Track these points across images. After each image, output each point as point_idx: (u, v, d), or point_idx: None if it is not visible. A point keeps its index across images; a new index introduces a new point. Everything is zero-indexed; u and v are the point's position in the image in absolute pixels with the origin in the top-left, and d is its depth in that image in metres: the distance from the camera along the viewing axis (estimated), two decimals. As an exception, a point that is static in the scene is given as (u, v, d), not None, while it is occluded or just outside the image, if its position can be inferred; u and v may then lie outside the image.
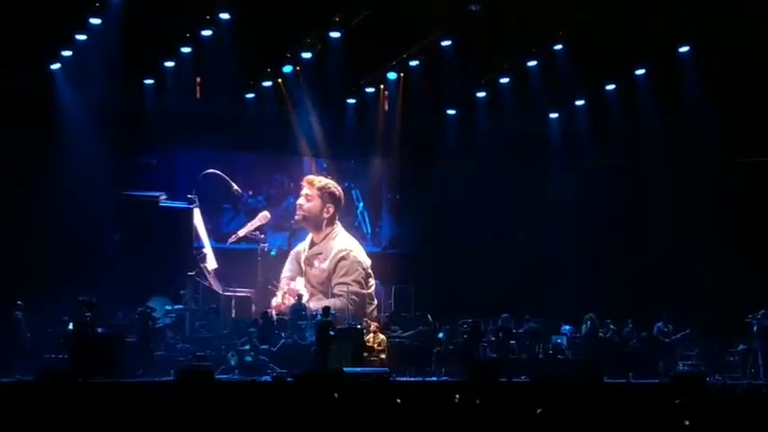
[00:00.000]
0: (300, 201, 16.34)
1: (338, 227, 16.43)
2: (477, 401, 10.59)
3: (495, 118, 18.00)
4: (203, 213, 16.07)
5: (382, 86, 17.89)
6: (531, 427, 9.55)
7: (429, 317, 15.45)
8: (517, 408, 9.96)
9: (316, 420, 9.42)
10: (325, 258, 16.20)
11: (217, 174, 16.01)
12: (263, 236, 16.17)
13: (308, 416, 9.44)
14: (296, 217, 16.37)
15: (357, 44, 15.82)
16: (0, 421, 8.09)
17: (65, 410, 8.39)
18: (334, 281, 16.11)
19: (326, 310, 14.29)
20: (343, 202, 16.41)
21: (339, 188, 16.49)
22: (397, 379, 13.10)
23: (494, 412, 10.01)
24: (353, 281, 16.16)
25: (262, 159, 17.75)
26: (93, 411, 8.58)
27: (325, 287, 16.17)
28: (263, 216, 16.26)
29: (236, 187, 15.99)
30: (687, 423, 9.21)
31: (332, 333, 13.64)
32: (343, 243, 16.26)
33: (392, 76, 17.15)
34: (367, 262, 16.41)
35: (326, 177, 16.73)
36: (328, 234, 16.36)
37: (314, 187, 16.30)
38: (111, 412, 8.61)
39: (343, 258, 16.14)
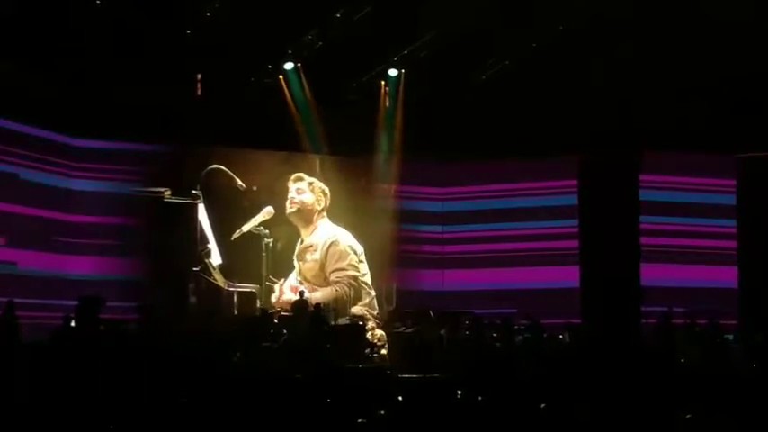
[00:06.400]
0: (292, 194, 16.23)
1: (325, 219, 16.31)
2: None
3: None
4: (207, 209, 16.06)
5: (383, 83, 17.97)
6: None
7: (431, 312, 15.47)
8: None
9: (316, 418, 9.46)
10: (315, 250, 16.08)
11: (221, 169, 15.98)
12: (267, 231, 16.10)
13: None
14: (289, 210, 16.21)
15: (358, 40, 15.91)
16: None
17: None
18: (329, 269, 15.92)
19: (318, 306, 14.29)
20: (329, 197, 16.31)
21: (326, 187, 16.42)
22: (399, 375, 13.09)
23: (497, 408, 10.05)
24: (348, 265, 15.96)
25: (265, 155, 17.76)
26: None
27: (319, 279, 16.06)
28: (268, 211, 16.16)
29: (240, 182, 15.96)
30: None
31: (326, 329, 13.60)
32: (330, 231, 16.12)
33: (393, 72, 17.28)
34: (359, 248, 16.23)
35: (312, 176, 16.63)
36: (316, 227, 16.27)
37: (303, 181, 16.26)
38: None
39: (333, 245, 15.96)
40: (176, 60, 16.56)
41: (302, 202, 16.36)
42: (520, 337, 15.24)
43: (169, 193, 15.63)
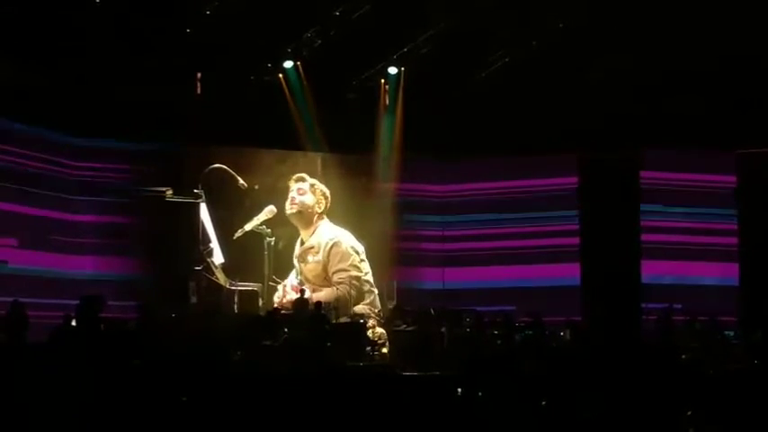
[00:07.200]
0: (293, 194, 16.33)
1: (325, 220, 16.38)
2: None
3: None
4: (209, 208, 16.10)
5: (383, 81, 17.99)
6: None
7: (432, 310, 15.51)
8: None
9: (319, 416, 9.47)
10: (317, 252, 16.17)
11: (222, 168, 16.01)
12: (269, 230, 16.14)
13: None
14: (289, 211, 16.27)
15: (358, 38, 15.93)
16: None
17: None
18: (331, 270, 16.04)
19: (318, 305, 14.34)
20: (330, 200, 16.37)
21: (327, 189, 16.47)
22: (400, 373, 13.10)
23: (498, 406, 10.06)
24: (350, 266, 16.09)
25: (266, 154, 17.78)
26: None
27: (320, 280, 16.13)
28: (270, 210, 16.23)
29: (242, 182, 16.01)
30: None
31: (327, 328, 13.63)
32: (331, 232, 16.24)
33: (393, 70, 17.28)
34: (360, 248, 16.31)
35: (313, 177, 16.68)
36: (317, 228, 16.32)
37: (305, 182, 16.34)
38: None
39: (335, 246, 16.08)
40: (177, 59, 16.58)
41: (303, 204, 16.39)
42: (521, 335, 15.29)
43: (170, 192, 15.66)
